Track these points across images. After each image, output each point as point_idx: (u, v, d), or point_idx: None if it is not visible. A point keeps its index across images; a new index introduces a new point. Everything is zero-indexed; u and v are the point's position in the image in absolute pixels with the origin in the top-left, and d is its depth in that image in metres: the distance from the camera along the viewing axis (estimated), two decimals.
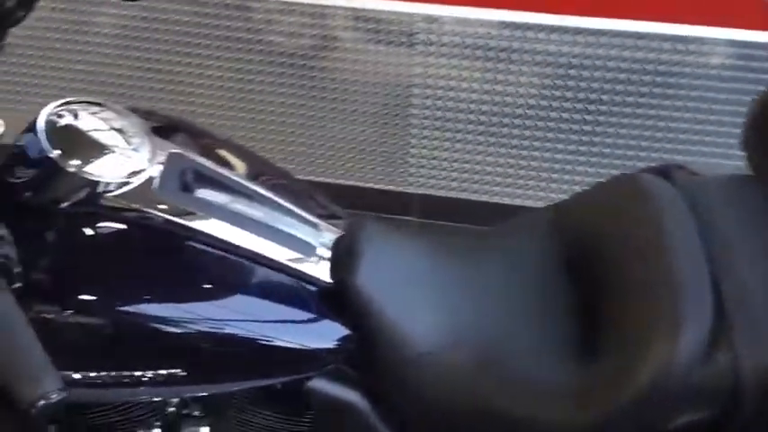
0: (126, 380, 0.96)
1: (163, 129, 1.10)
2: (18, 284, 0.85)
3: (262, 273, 1.03)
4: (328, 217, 1.15)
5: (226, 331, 1.00)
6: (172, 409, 1.06)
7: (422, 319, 1.05)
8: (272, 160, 1.27)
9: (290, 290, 1.04)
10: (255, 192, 1.09)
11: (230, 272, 1.03)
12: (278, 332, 1.02)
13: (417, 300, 1.07)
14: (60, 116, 1.00)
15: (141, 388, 0.97)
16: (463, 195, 2.33)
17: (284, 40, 2.22)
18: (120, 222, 0.98)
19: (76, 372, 0.94)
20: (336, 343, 1.04)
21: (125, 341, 0.96)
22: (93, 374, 0.95)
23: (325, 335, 1.04)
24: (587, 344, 1.01)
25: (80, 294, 0.96)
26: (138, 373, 0.96)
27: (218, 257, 1.01)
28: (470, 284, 1.11)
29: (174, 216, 0.99)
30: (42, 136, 0.96)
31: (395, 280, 1.07)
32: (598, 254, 1.06)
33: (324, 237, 1.10)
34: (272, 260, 1.03)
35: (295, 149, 2.35)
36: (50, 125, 0.98)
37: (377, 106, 2.26)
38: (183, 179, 1.04)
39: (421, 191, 2.34)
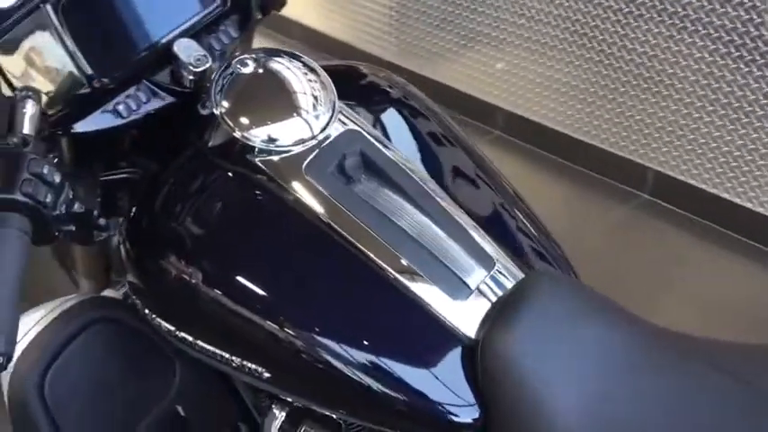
0: (218, 357, 0.91)
1: (363, 97, 1.00)
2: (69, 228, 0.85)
3: (394, 303, 0.87)
4: (527, 254, 0.93)
5: (331, 351, 0.86)
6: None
7: (567, 407, 0.82)
8: None
9: (422, 332, 0.87)
10: (433, 202, 0.92)
11: (355, 287, 0.89)
12: (395, 374, 0.86)
13: (569, 383, 0.84)
14: (248, 64, 0.95)
15: (223, 366, 0.92)
16: None
17: None
18: (253, 190, 0.92)
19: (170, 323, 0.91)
20: (462, 409, 0.86)
21: (221, 319, 0.90)
22: (184, 335, 0.91)
23: (448, 397, 0.86)
24: None
25: (192, 250, 0.91)
26: (226, 355, 0.90)
27: (348, 266, 0.88)
28: (652, 392, 0.84)
29: (311, 202, 0.90)
30: (214, 88, 0.93)
31: (550, 354, 0.85)
32: None
33: (491, 282, 0.89)
34: (411, 292, 0.87)
35: None
36: (235, 71, 0.95)
37: None
38: (346, 163, 0.92)
39: None
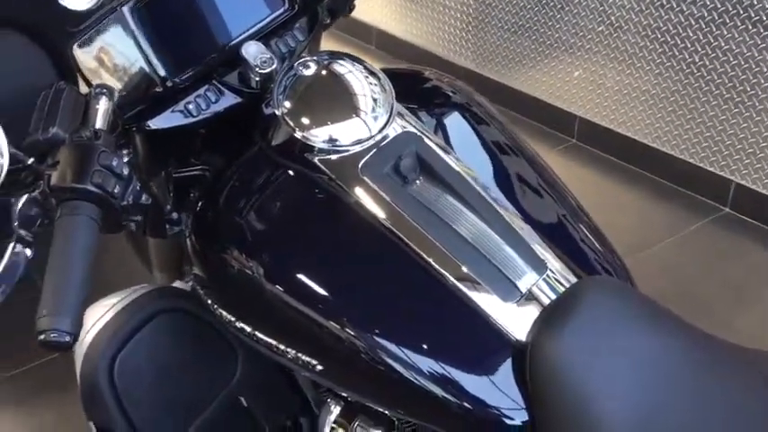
0: (274, 349, 0.93)
1: (424, 101, 1.01)
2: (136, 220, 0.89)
3: (446, 304, 0.88)
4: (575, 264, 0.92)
5: (382, 349, 0.87)
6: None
7: (614, 414, 0.81)
8: None
9: (474, 334, 0.88)
10: (486, 205, 0.92)
11: (407, 286, 0.90)
12: (446, 374, 0.86)
13: (617, 390, 0.83)
14: (310, 66, 0.99)
15: (278, 357, 0.94)
16: None
17: None
18: (312, 188, 0.94)
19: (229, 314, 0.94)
20: (512, 412, 0.85)
21: (278, 312, 0.92)
22: (243, 327, 0.94)
23: (499, 399, 0.86)
24: None
25: (253, 244, 0.94)
26: (281, 346, 0.92)
27: (401, 266, 0.89)
28: (702, 403, 0.83)
29: (366, 201, 0.91)
30: (277, 89, 0.97)
31: (600, 360, 0.84)
32: None
33: (544, 285, 0.89)
34: (462, 293, 0.87)
35: None
36: (297, 73, 0.98)
37: None
38: (402, 164, 0.93)
39: None
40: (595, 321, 0.84)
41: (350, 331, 0.88)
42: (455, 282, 0.88)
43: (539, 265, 0.90)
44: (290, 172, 0.96)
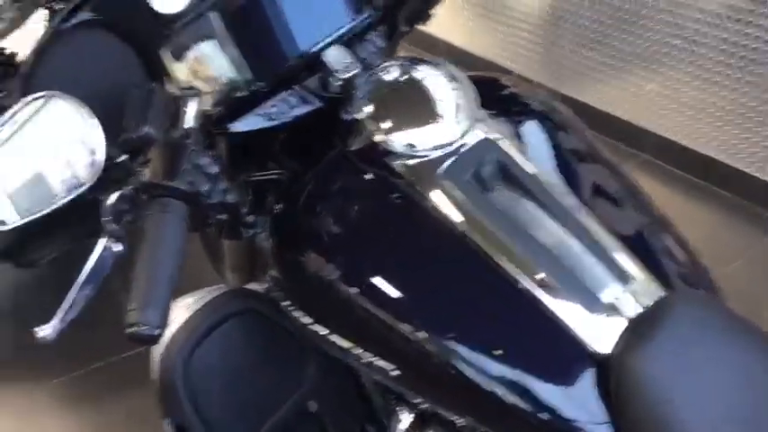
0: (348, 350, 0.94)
1: (504, 108, 1.01)
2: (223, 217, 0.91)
3: (526, 313, 0.87)
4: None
5: (460, 357, 0.86)
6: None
7: None
8: None
9: (554, 345, 0.86)
10: (569, 215, 0.90)
11: (487, 294, 0.89)
12: (525, 385, 0.84)
13: (705, 408, 0.80)
14: (391, 71, 0.99)
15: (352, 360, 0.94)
16: None
17: None
18: (391, 193, 0.94)
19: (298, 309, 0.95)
20: (593, 427, 0.83)
21: (355, 316, 0.92)
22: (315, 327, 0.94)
23: (578, 412, 0.84)
24: None
25: (331, 247, 0.95)
26: (357, 351, 0.93)
27: (480, 273, 0.88)
28: None
29: (446, 207, 0.91)
30: (358, 93, 0.98)
31: (687, 377, 0.81)
32: None
33: (628, 297, 0.86)
34: (543, 304, 0.86)
35: None
36: (378, 78, 0.99)
37: None
38: (483, 171, 0.92)
39: None
40: (684, 336, 0.82)
41: (427, 337, 0.87)
42: (535, 291, 0.86)
43: (622, 277, 0.87)
44: (370, 176, 0.97)
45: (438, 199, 0.92)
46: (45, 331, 0.82)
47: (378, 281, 0.90)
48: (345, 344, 0.94)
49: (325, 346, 0.97)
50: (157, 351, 1.04)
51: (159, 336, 0.77)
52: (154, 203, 0.82)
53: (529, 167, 0.94)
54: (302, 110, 1.04)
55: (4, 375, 2.09)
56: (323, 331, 0.96)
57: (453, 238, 0.90)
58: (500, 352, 0.86)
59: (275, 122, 1.03)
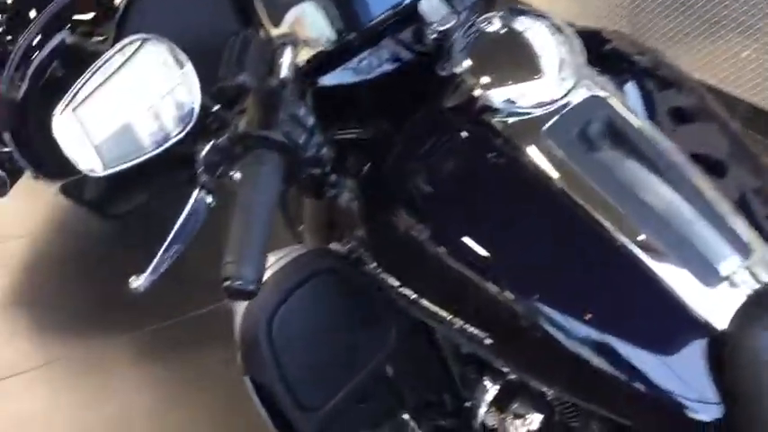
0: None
1: (609, 63, 0.95)
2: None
3: (633, 281, 0.81)
4: None
5: (559, 324, 0.81)
6: None
7: None
8: None
9: (663, 316, 0.80)
10: (684, 179, 0.84)
11: (592, 259, 0.83)
12: (627, 357, 0.79)
13: None
14: (493, 23, 0.94)
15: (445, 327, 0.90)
16: None
17: None
18: (489, 151, 0.89)
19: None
20: (701, 406, 0.78)
21: (448, 279, 0.88)
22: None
23: (685, 390, 0.78)
24: None
25: (425, 207, 0.91)
26: (448, 316, 0.89)
27: (585, 238, 0.83)
28: None
29: (549, 168, 0.86)
30: (457, 46, 0.93)
31: None
32: None
33: (747, 271, 0.80)
34: (653, 272, 0.80)
35: None
36: (479, 30, 0.94)
37: None
38: (590, 131, 0.87)
39: None
40: None
41: (523, 303, 0.83)
42: (644, 258, 0.81)
43: (743, 249, 0.81)
44: (466, 134, 0.92)
45: (541, 159, 0.87)
46: (138, 282, 0.81)
47: (473, 244, 0.86)
48: (435, 309, 0.90)
49: (413, 310, 0.94)
50: (240, 308, 1.03)
51: (255, 291, 0.75)
52: (249, 155, 0.79)
53: (642, 128, 0.88)
54: (393, 65, 1.00)
55: (77, 329, 2.13)
56: (412, 295, 0.92)
57: (557, 202, 0.85)
58: (600, 319, 0.81)
59: (365, 77, 1.00)
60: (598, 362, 0.80)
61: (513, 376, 0.98)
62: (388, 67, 1.00)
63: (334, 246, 1.15)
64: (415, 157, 0.95)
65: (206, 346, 2.00)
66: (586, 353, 0.81)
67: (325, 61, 0.97)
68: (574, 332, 0.81)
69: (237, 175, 0.81)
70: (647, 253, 0.81)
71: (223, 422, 1.82)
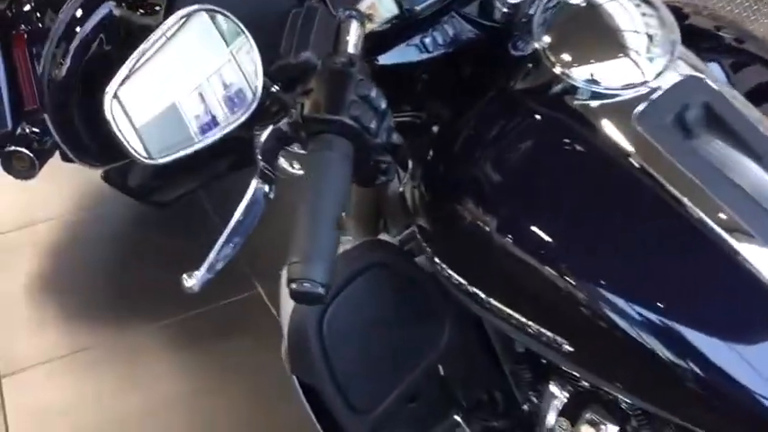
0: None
1: (693, 40, 0.88)
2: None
3: (729, 275, 0.76)
4: None
5: (644, 324, 0.75)
6: None
7: None
8: None
9: (755, 310, 0.75)
10: None
11: (686, 260, 0.77)
12: (711, 357, 0.73)
13: None
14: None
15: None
16: None
17: None
18: (570, 136, 0.83)
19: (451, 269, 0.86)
20: None
21: (522, 279, 0.82)
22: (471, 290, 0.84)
23: None
24: None
25: (497, 199, 0.85)
26: (522, 318, 0.82)
27: (682, 234, 0.77)
28: None
29: (641, 156, 0.78)
30: (537, 20, 0.86)
31: None
32: None
33: None
34: (751, 264, 0.74)
35: None
36: (561, 3, 0.87)
37: None
38: (687, 116, 0.80)
39: None
40: None
41: (609, 308, 0.76)
42: (745, 253, 0.74)
43: None
44: (543, 117, 0.85)
45: (631, 147, 0.79)
46: (191, 281, 0.74)
47: (552, 240, 0.79)
48: (506, 310, 0.83)
49: (478, 309, 0.87)
50: (288, 304, 0.96)
51: (325, 294, 0.68)
52: (315, 141, 0.72)
53: (743, 109, 0.80)
54: (460, 41, 0.92)
55: (105, 318, 2.09)
56: (479, 293, 0.85)
57: (649, 192, 0.78)
58: (689, 316, 0.74)
59: (429, 55, 0.92)
60: (684, 365, 0.74)
61: (584, 383, 0.91)
62: (454, 44, 0.93)
63: (383, 237, 1.09)
64: (485, 143, 0.88)
65: (234, 336, 1.96)
66: (670, 353, 0.74)
67: (385, 38, 0.90)
68: (660, 329, 0.75)
69: (297, 165, 0.75)
70: (749, 248, 0.74)
71: (248, 413, 1.78)
